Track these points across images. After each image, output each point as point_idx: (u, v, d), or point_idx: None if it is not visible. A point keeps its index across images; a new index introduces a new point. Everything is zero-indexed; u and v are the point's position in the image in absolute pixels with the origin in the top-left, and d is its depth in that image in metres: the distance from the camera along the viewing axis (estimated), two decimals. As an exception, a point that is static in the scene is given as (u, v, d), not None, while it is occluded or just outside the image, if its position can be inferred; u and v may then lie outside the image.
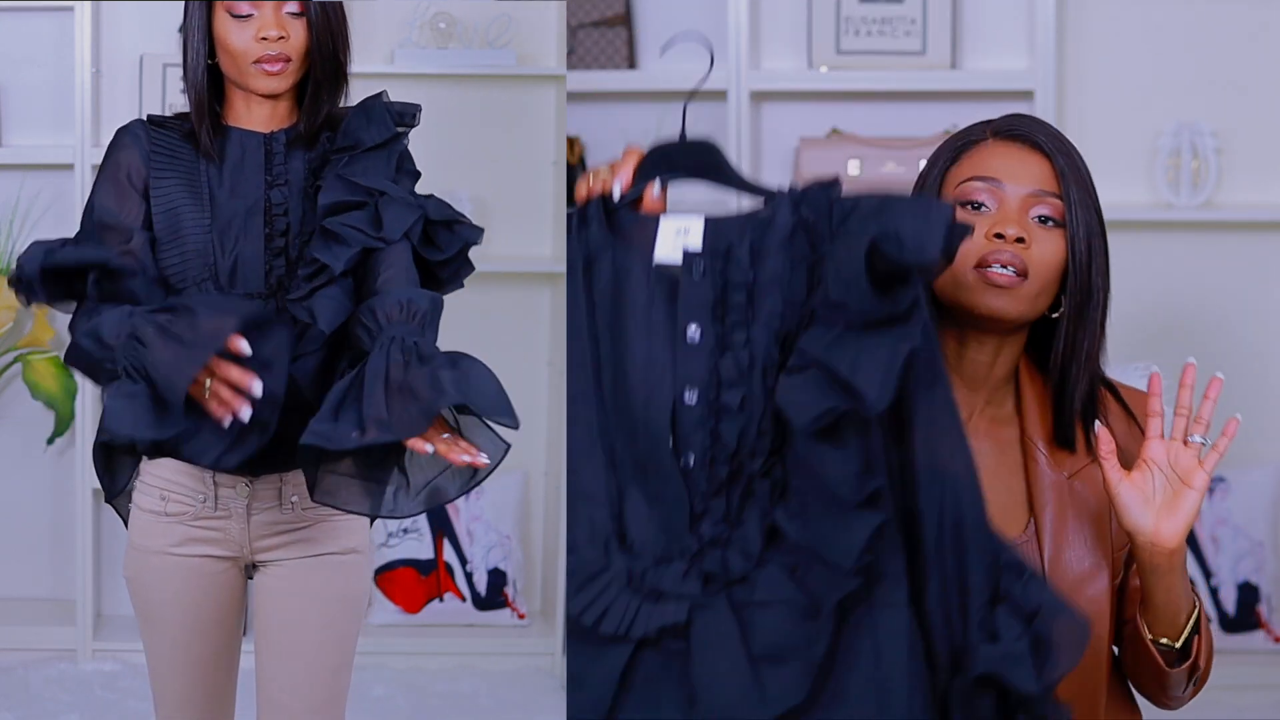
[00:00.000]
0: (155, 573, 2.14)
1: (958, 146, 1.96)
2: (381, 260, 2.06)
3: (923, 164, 2.03)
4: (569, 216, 1.71)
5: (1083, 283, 1.90)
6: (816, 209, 1.66)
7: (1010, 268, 1.88)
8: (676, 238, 1.68)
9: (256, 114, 2.13)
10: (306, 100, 2.13)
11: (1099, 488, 1.92)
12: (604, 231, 1.69)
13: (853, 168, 3.66)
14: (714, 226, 1.68)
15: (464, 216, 2.16)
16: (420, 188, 3.90)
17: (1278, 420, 3.73)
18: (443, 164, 3.79)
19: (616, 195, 1.69)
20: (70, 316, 2.07)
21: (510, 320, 3.83)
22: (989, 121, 1.98)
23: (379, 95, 2.19)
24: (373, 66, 3.69)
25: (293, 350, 2.03)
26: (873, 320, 1.58)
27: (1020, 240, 1.88)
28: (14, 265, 2.07)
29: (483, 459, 1.86)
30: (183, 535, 2.13)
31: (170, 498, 2.13)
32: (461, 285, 2.18)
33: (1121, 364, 2.28)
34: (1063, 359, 1.94)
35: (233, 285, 2.09)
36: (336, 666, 2.17)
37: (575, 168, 3.75)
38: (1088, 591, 1.90)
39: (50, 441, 3.69)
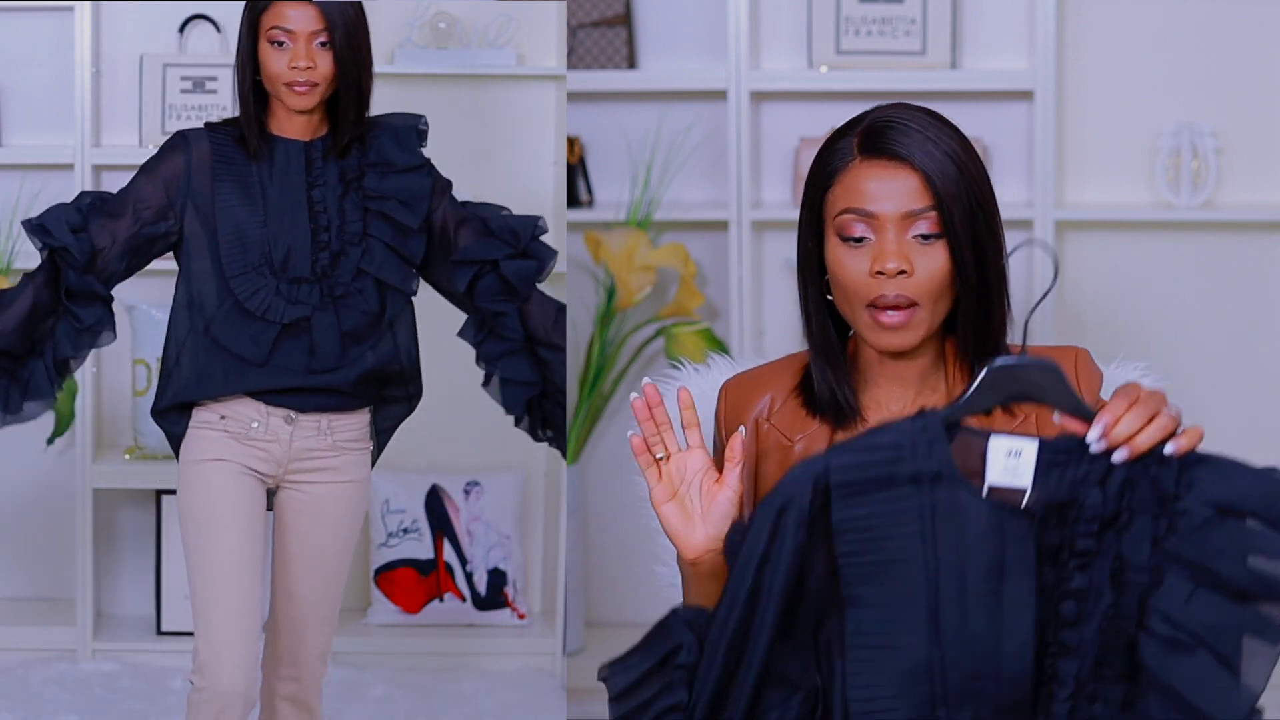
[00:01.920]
0: (210, 473, 2.52)
1: (828, 171, 1.94)
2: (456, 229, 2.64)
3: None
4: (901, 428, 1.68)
5: (973, 285, 1.91)
6: (1154, 458, 1.65)
7: (897, 309, 1.89)
8: (1009, 459, 1.67)
9: (296, 124, 2.53)
10: (338, 118, 2.53)
11: None
12: (946, 450, 1.67)
13: (853, 167, 3.66)
14: (1046, 450, 1.66)
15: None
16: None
17: (1277, 420, 3.72)
18: (443, 164, 3.78)
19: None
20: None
21: (510, 320, 3.84)
22: (854, 128, 1.94)
23: (411, 118, 2.64)
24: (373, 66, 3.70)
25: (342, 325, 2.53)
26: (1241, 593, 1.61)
27: (903, 272, 1.89)
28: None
29: None
30: (236, 449, 2.53)
31: (229, 417, 2.53)
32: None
33: (1121, 364, 2.30)
34: (973, 349, 1.95)
35: (285, 270, 2.50)
36: (341, 571, 2.65)
37: (575, 167, 3.75)
38: None
39: (50, 441, 3.67)
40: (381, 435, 2.69)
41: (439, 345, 3.82)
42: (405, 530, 3.75)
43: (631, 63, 3.75)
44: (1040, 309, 3.55)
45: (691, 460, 1.89)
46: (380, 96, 3.72)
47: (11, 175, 3.61)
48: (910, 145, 1.90)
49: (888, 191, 1.90)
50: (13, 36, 3.64)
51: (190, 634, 2.52)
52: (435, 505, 3.77)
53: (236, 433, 2.53)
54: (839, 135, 1.95)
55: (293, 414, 2.54)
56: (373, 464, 2.69)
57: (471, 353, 3.82)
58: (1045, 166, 3.63)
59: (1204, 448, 1.67)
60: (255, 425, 2.53)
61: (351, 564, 3.75)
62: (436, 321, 3.78)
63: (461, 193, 3.77)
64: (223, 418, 2.53)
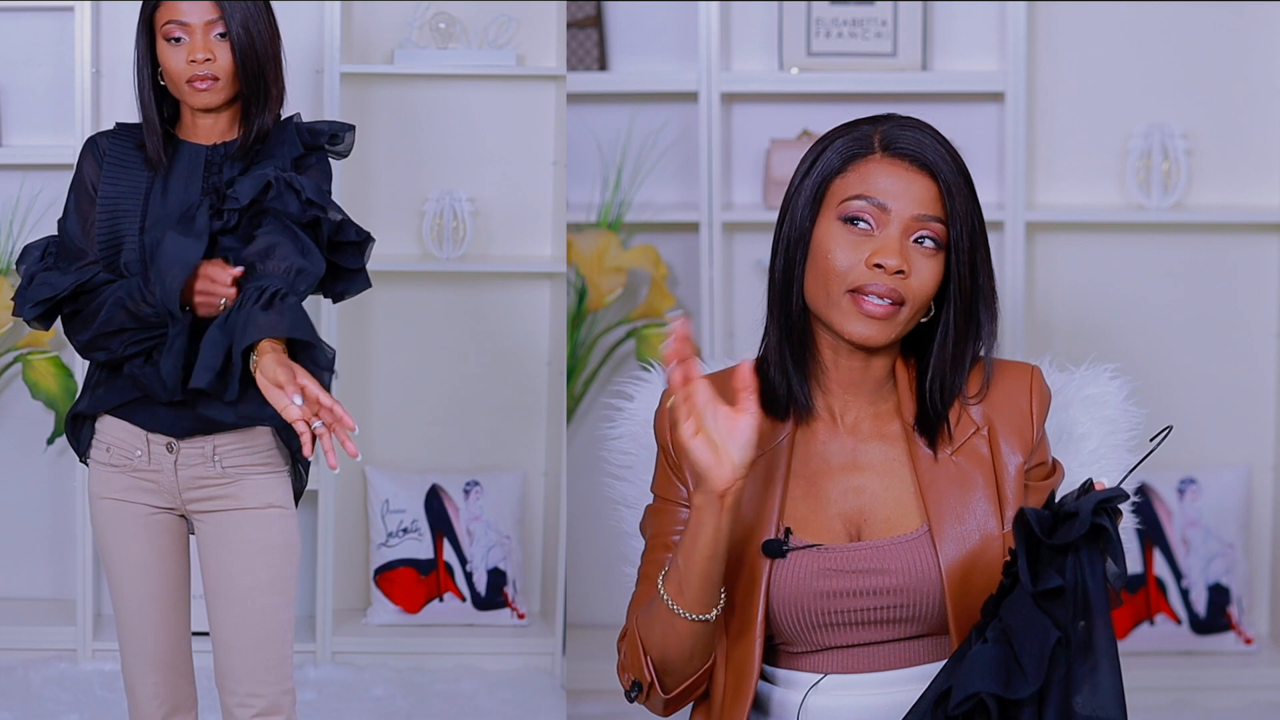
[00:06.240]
0: (105, 515, 2.42)
1: (845, 155, 1.93)
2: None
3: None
4: None
5: (967, 296, 1.93)
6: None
7: (886, 299, 1.90)
8: None
9: (201, 127, 2.40)
10: (241, 116, 2.40)
11: (983, 457, 1.96)
12: None
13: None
14: None
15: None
16: (421, 188, 3.91)
17: (1248, 422, 3.73)
18: (443, 164, 3.77)
19: None
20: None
21: (510, 320, 3.82)
22: (877, 124, 1.95)
23: (326, 123, 2.44)
24: (373, 66, 3.68)
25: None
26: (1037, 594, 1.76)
27: (900, 272, 1.89)
28: (15, 268, 2.39)
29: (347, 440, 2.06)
30: (125, 483, 2.40)
31: (113, 449, 2.41)
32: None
33: (1091, 365, 2.30)
34: (950, 364, 1.96)
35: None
36: (266, 607, 2.39)
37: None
38: (985, 557, 1.92)
39: (50, 441, 3.67)
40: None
41: (438, 345, 3.85)
42: (405, 530, 3.73)
43: (603, 64, 3.73)
44: (1011, 310, 3.58)
45: (699, 392, 1.80)
46: (380, 96, 3.73)
47: (11, 175, 3.60)
48: (933, 151, 1.92)
49: (903, 192, 1.90)
50: (13, 36, 3.62)
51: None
52: (435, 505, 3.76)
53: (121, 465, 2.40)
54: (853, 125, 1.95)
55: (173, 441, 2.38)
56: (306, 477, 2.47)
57: (472, 354, 3.82)
58: (1016, 168, 3.63)
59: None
60: (138, 454, 2.39)
61: (351, 564, 3.80)
62: (432, 322, 3.81)
63: (462, 193, 3.74)
64: (108, 449, 2.41)
